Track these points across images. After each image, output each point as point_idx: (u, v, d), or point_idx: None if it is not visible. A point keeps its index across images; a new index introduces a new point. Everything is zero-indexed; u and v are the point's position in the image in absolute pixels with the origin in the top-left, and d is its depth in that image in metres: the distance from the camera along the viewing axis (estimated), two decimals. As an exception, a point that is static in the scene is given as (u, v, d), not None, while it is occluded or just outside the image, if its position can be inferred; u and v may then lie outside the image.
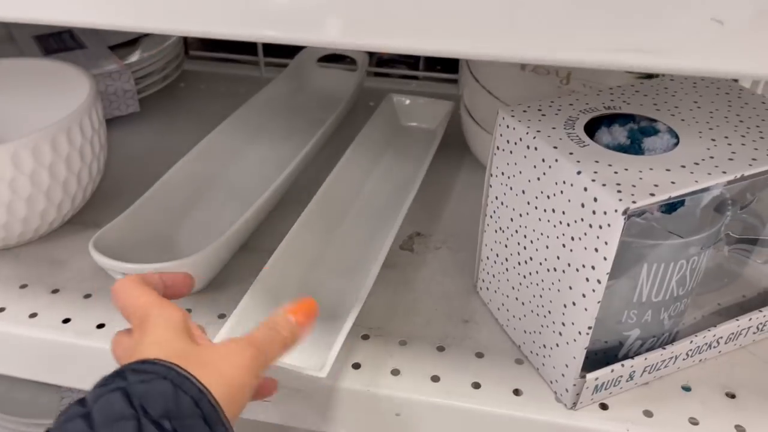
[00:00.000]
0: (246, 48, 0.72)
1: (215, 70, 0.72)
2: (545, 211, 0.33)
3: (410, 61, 0.76)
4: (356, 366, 0.37)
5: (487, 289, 0.40)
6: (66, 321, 0.40)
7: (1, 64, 0.50)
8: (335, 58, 0.70)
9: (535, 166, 0.33)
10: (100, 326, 0.40)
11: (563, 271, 0.32)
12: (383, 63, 0.76)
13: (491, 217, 0.38)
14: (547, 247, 0.33)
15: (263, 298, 0.38)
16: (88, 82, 0.46)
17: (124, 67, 0.58)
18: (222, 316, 0.41)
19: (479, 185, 0.53)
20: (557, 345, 0.34)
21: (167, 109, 0.64)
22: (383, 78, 0.73)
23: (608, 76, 0.48)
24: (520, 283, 0.37)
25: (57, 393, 0.50)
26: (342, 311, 0.40)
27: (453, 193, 0.53)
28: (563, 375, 0.34)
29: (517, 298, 0.37)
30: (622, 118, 0.35)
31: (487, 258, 0.40)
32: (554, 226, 0.32)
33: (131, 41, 0.64)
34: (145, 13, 0.25)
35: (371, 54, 0.74)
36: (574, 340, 0.33)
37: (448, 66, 0.72)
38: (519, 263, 0.36)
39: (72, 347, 0.39)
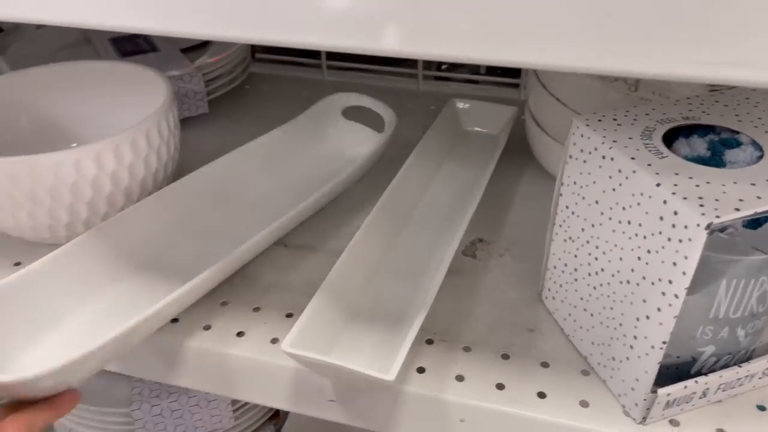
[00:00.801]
0: (309, 51, 0.74)
1: (279, 73, 0.74)
2: (620, 222, 0.32)
3: (471, 65, 0.76)
4: (420, 370, 0.38)
5: (553, 298, 0.40)
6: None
7: (80, 66, 0.52)
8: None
9: (610, 177, 0.33)
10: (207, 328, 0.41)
11: (637, 284, 0.32)
12: (442, 67, 0.76)
13: (560, 226, 0.38)
14: (621, 258, 0.33)
15: (330, 300, 0.39)
16: (164, 84, 0.48)
17: (195, 70, 0.60)
18: (290, 315, 0.42)
19: (543, 192, 0.53)
20: (627, 358, 0.34)
21: (233, 111, 0.65)
22: (442, 82, 0.73)
23: (678, 85, 0.47)
24: (590, 294, 0.36)
25: (128, 383, 0.53)
26: (405, 316, 0.40)
27: (515, 199, 0.52)
28: (633, 389, 0.34)
29: (585, 309, 0.37)
30: (701, 129, 0.34)
31: (554, 267, 0.39)
32: (629, 238, 0.32)
33: (201, 44, 0.66)
34: (211, 22, 0.26)
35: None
36: (647, 354, 0.32)
37: (508, 70, 0.72)
38: (589, 274, 0.36)
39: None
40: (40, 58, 0.59)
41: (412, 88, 0.71)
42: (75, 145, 0.53)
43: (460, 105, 0.60)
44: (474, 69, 0.75)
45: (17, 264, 0.46)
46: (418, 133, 0.56)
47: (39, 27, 0.75)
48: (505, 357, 0.39)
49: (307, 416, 0.42)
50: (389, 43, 0.25)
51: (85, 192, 0.42)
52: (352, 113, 0.59)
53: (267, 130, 0.62)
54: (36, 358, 0.37)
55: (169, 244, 0.45)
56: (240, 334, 0.40)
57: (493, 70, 0.75)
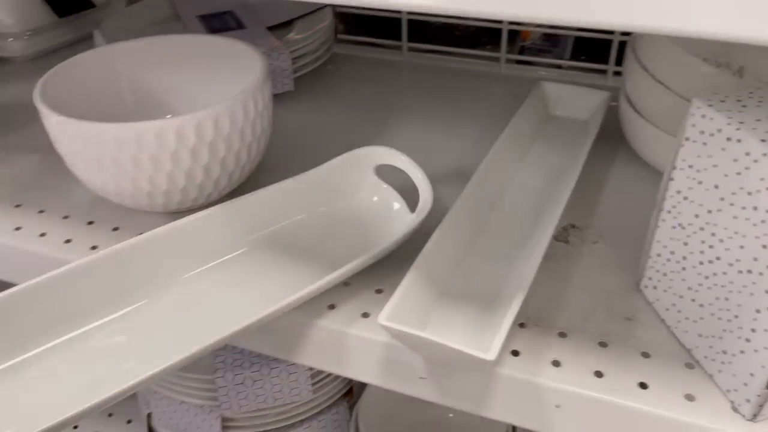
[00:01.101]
0: (390, 32, 0.73)
1: (360, 54, 0.73)
2: (743, 208, 0.31)
3: (555, 49, 0.74)
4: (515, 353, 0.37)
5: (655, 288, 0.39)
6: (235, 283, 0.42)
7: (176, 40, 0.53)
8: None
9: (735, 160, 0.31)
10: (266, 291, 0.42)
11: (760, 274, 0.30)
12: (525, 50, 0.75)
13: (669, 212, 0.36)
14: (742, 247, 0.31)
15: (423, 278, 0.39)
16: (260, 59, 0.48)
17: (282, 47, 0.60)
18: (379, 291, 0.42)
19: (637, 179, 0.51)
20: (742, 352, 0.32)
21: (316, 90, 0.66)
22: (524, 66, 0.71)
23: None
24: (700, 284, 0.35)
25: (211, 351, 0.54)
26: (498, 297, 0.40)
27: (607, 186, 0.51)
28: (745, 384, 0.32)
29: (693, 300, 0.35)
30: (834, 113, 0.32)
31: (658, 255, 0.38)
32: (754, 225, 0.30)
33: (287, 22, 0.66)
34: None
35: (513, 40, 0.73)
36: (765, 348, 0.31)
37: (595, 54, 0.70)
38: (701, 262, 0.34)
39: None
40: (131, 33, 0.60)
41: (493, 72, 0.70)
42: (169, 116, 0.54)
43: (549, 89, 0.58)
44: (559, 53, 0.73)
45: (115, 229, 0.47)
46: (501, 117, 0.55)
47: (129, 3, 0.78)
48: (603, 345, 0.37)
49: (380, 395, 0.42)
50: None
51: (185, 160, 0.43)
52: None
53: (349, 111, 0.62)
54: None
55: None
56: (331, 306, 0.40)
57: (577, 55, 0.73)
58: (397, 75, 0.70)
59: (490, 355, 0.33)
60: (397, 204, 0.47)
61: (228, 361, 0.51)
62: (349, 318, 0.40)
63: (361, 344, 0.39)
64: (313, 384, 0.54)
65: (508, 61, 0.71)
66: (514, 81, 0.68)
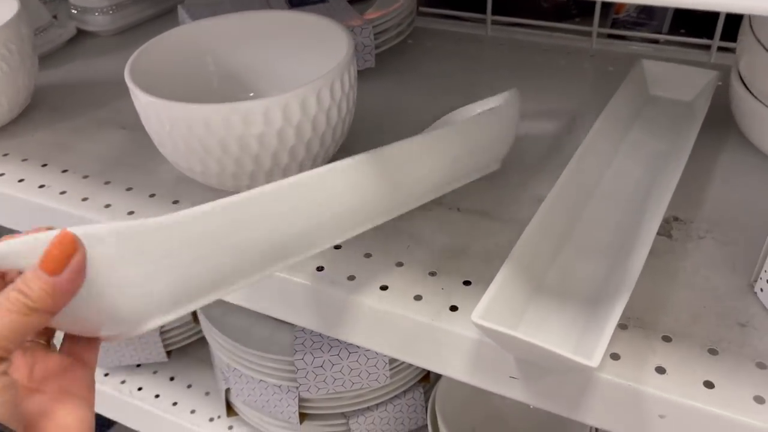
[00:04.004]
0: (474, 5, 0.70)
1: (442, 28, 0.71)
2: None
3: (651, 23, 0.69)
4: (615, 357, 0.35)
5: (774, 292, 0.35)
6: (320, 269, 0.42)
7: (262, 16, 0.52)
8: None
9: None
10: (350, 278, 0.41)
11: None
12: (618, 24, 0.70)
13: (798, 211, 0.33)
14: None
15: (518, 272, 0.37)
16: (346, 37, 0.46)
17: (365, 22, 0.58)
18: (467, 283, 0.40)
19: (749, 168, 0.47)
20: None
21: (398, 66, 0.64)
22: (617, 40, 0.67)
23: None
24: (833, 293, 0.31)
25: (291, 331, 0.54)
26: (597, 296, 0.37)
27: (715, 175, 0.47)
28: None
29: (823, 309, 0.32)
30: None
31: (781, 257, 0.34)
32: None
33: (368, -4, 0.64)
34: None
35: (606, 13, 0.68)
36: None
37: (697, 28, 0.64)
38: (836, 270, 0.31)
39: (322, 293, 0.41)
40: (212, 7, 0.60)
41: (584, 47, 0.66)
42: (252, 95, 0.53)
43: (649, 67, 0.54)
44: (655, 27, 0.68)
45: (200, 209, 0.47)
46: (595, 97, 0.52)
47: (209, -23, 0.77)
48: (713, 352, 0.35)
49: (458, 382, 0.40)
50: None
51: (271, 142, 0.42)
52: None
53: (430, 89, 0.59)
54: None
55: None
56: (417, 297, 0.39)
57: (676, 28, 0.67)
58: (480, 50, 0.67)
59: (594, 361, 0.31)
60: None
61: (308, 343, 0.51)
62: (436, 310, 0.38)
63: (449, 339, 0.38)
64: (391, 369, 0.54)
65: (600, 35, 0.66)
66: (607, 57, 0.64)
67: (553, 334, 0.36)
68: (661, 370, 0.34)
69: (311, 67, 0.50)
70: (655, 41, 0.67)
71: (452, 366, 0.38)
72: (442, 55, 0.66)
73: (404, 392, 0.58)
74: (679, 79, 0.53)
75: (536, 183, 0.47)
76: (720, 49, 0.62)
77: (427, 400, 0.59)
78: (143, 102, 0.43)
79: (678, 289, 0.38)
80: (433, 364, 0.39)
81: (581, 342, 0.34)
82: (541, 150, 0.51)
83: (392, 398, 0.57)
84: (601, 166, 0.46)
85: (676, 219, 0.43)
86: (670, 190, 0.40)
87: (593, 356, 0.31)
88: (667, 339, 0.36)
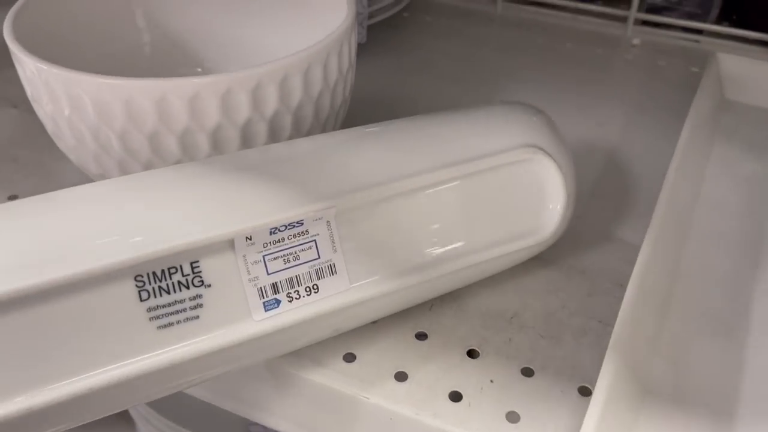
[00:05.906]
0: (483, -25, 0.57)
1: (443, 1, 0.57)
2: None
3: (696, 12, 0.57)
4: None
5: None
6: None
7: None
8: None
9: None
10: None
11: None
12: (654, 9, 0.58)
13: None
14: None
15: (625, 370, 0.24)
16: (345, 3, 0.32)
17: (356, -16, 0.44)
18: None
19: None
20: None
21: (391, 42, 0.50)
22: (651, 28, 0.55)
23: None
24: None
25: None
26: (733, 394, 0.25)
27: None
28: None
29: None
30: None
31: None
32: None
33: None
34: None
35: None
36: None
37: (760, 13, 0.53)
38: None
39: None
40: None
41: (616, 34, 0.54)
42: (199, 70, 0.38)
43: (726, 64, 0.42)
44: (697, 15, 0.57)
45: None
46: (638, 97, 0.40)
47: None
48: None
49: None
50: None
51: (231, 141, 0.28)
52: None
53: (429, 72, 0.46)
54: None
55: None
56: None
57: (728, 14, 0.56)
58: (489, 30, 0.54)
59: None
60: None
61: None
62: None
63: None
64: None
65: (637, 21, 0.54)
66: (648, 49, 0.52)
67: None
68: None
69: (289, 36, 0.36)
70: (699, 31, 0.55)
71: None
72: (442, 32, 0.52)
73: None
74: (758, 78, 0.42)
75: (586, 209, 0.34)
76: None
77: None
78: (30, 70, 0.28)
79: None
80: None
81: None
82: (592, 173, 0.37)
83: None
84: (690, 197, 0.34)
85: (797, 271, 0.31)
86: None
87: None
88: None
